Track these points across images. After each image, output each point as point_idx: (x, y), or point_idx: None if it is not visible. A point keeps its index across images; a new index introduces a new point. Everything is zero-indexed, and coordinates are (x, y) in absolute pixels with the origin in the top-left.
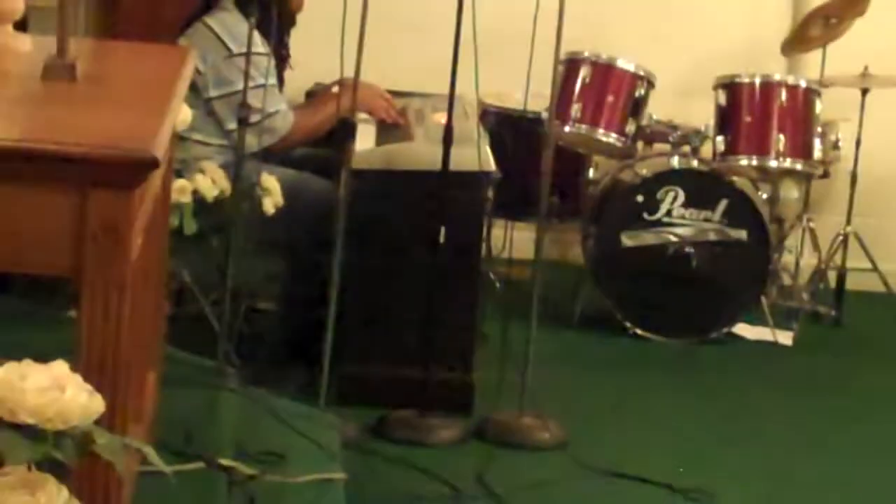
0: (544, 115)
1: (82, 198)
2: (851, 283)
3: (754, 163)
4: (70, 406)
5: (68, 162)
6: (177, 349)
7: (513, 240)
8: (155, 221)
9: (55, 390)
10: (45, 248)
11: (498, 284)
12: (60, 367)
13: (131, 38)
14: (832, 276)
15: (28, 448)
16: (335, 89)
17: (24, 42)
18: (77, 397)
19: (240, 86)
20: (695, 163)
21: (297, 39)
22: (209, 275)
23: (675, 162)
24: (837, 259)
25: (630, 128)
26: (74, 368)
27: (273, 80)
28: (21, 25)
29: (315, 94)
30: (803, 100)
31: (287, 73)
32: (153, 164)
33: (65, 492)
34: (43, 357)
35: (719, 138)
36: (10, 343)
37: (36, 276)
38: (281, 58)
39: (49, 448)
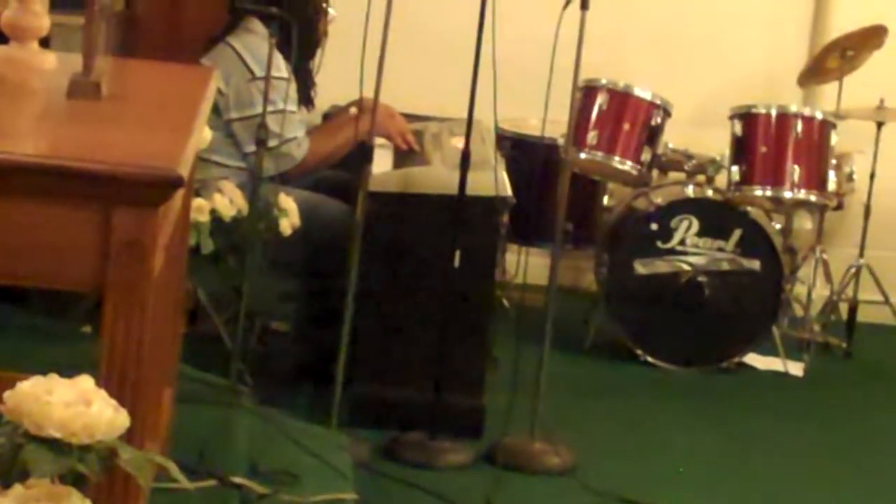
0: (560, 141)
1: (107, 215)
2: (863, 315)
3: (769, 193)
4: (96, 420)
5: (94, 179)
6: (191, 367)
7: (527, 265)
8: (174, 240)
9: (81, 405)
10: (69, 263)
11: (511, 309)
12: (86, 381)
13: (151, 57)
14: (844, 308)
15: (53, 461)
16: (352, 110)
17: (49, 59)
18: (103, 412)
19: (260, 109)
20: (709, 192)
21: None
22: (224, 294)
23: (690, 191)
24: (849, 291)
25: (646, 156)
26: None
27: (293, 107)
28: (44, 43)
29: (332, 116)
30: (819, 131)
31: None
32: (178, 182)
33: None
34: (59, 372)
35: (734, 168)
36: (28, 357)
37: (52, 290)
38: (307, 80)
39: (74, 462)
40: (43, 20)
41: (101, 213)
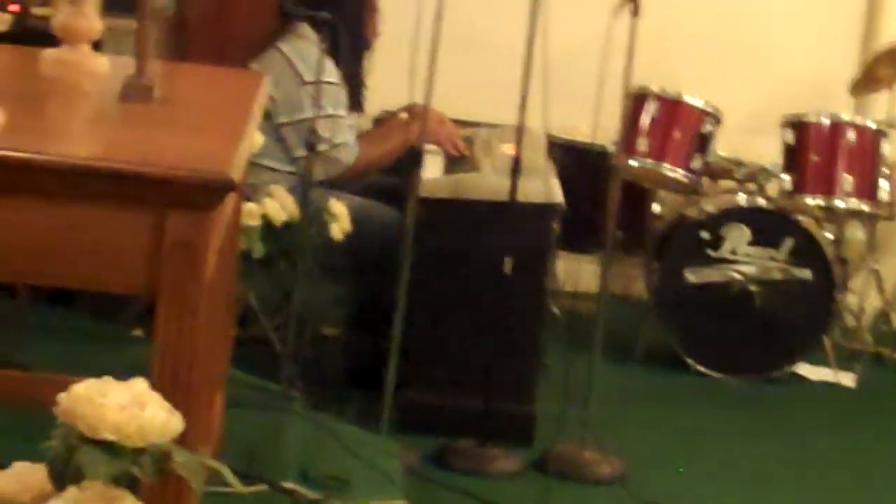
0: (611, 148)
1: (160, 218)
2: None
3: (820, 202)
4: (150, 424)
5: (147, 182)
6: (241, 371)
7: (577, 272)
8: (225, 244)
9: (135, 408)
10: (121, 266)
11: (561, 317)
12: (140, 384)
13: (201, 61)
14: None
15: (107, 464)
16: (403, 116)
17: (102, 62)
18: (157, 415)
19: (309, 113)
20: (761, 201)
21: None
22: (274, 298)
23: (741, 199)
24: None
25: (696, 163)
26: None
27: (343, 111)
28: (97, 46)
29: (382, 122)
30: (871, 140)
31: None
32: (230, 186)
33: None
34: (111, 375)
35: (786, 177)
36: (78, 360)
37: (101, 293)
38: (357, 84)
39: (128, 464)
40: (95, 23)
41: (154, 216)
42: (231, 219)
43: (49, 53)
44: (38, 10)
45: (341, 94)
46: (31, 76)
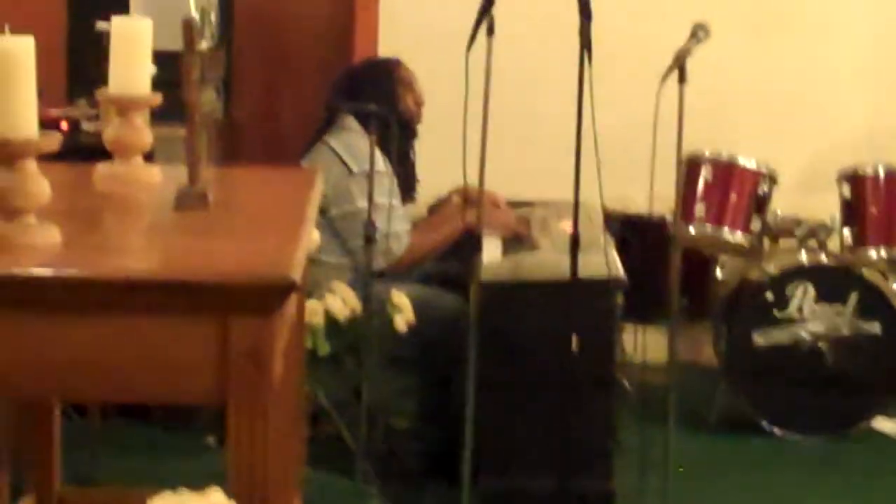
0: (668, 217)
1: (224, 325)
2: None
3: (883, 254)
4: None
5: (208, 291)
6: (316, 470)
7: (643, 343)
8: (291, 344)
9: None
10: (189, 377)
11: (631, 389)
12: (216, 494)
13: (251, 160)
14: None
15: None
16: (455, 199)
17: (154, 173)
18: None
19: (360, 204)
20: (823, 257)
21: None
22: (343, 394)
23: (803, 257)
24: None
25: (755, 225)
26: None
27: (394, 200)
28: (147, 157)
29: (435, 208)
30: None
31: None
32: (292, 288)
33: None
34: (187, 485)
35: (846, 231)
36: (152, 473)
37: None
38: (408, 174)
39: None
40: (146, 135)
41: (218, 324)
42: (295, 318)
43: (102, 168)
44: (88, 126)
45: (392, 184)
46: (85, 192)
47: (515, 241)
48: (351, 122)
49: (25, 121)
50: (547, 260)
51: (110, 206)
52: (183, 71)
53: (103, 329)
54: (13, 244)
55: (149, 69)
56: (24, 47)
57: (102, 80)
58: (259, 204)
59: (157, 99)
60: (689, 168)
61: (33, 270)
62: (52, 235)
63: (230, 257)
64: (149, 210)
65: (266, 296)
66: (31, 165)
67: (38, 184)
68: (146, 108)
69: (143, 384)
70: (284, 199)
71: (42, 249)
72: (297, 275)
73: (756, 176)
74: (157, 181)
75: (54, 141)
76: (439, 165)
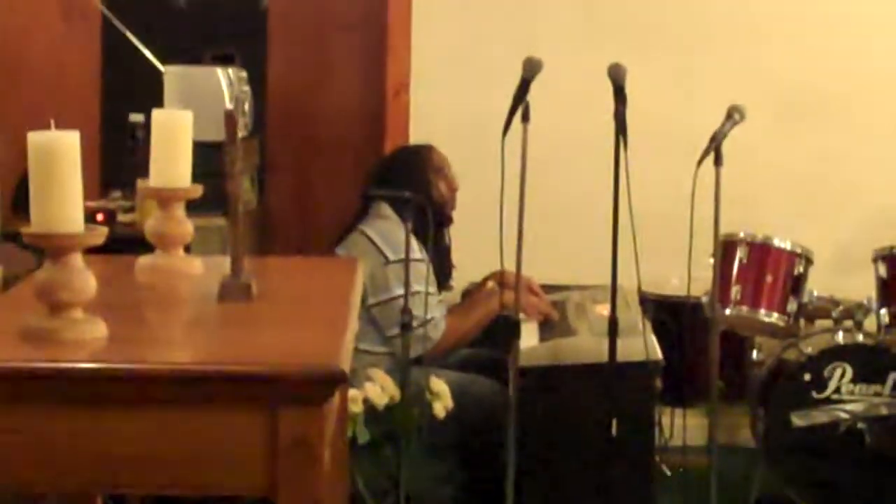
0: (704, 299)
1: (272, 416)
2: None
3: None
4: None
5: (257, 381)
6: None
7: (681, 426)
8: (336, 433)
9: None
10: (239, 468)
11: (671, 473)
12: None
13: (286, 249)
14: None
15: None
16: (490, 285)
17: (196, 265)
18: None
19: (396, 292)
20: (860, 337)
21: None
22: (382, 481)
23: (840, 338)
24: None
25: (791, 306)
26: None
27: (430, 288)
28: (185, 247)
29: (470, 293)
30: None
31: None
32: (341, 378)
33: None
34: None
35: (883, 311)
36: None
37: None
38: (442, 259)
39: None
40: (187, 227)
41: (267, 415)
42: (339, 407)
43: (144, 260)
44: (123, 217)
45: (428, 271)
46: (128, 285)
47: (552, 325)
48: (386, 209)
49: (71, 215)
50: (585, 344)
51: (154, 298)
52: (226, 162)
53: (153, 422)
54: (61, 338)
55: (189, 161)
56: (69, 142)
57: (136, 171)
58: (302, 294)
59: (198, 191)
60: (725, 250)
61: (82, 365)
62: (99, 329)
63: (278, 348)
64: (193, 302)
65: (316, 386)
66: (77, 260)
67: (85, 278)
68: (186, 199)
69: (192, 476)
70: (327, 289)
71: (90, 343)
72: (345, 365)
73: (791, 257)
74: (198, 273)
75: (100, 236)
76: (474, 252)
